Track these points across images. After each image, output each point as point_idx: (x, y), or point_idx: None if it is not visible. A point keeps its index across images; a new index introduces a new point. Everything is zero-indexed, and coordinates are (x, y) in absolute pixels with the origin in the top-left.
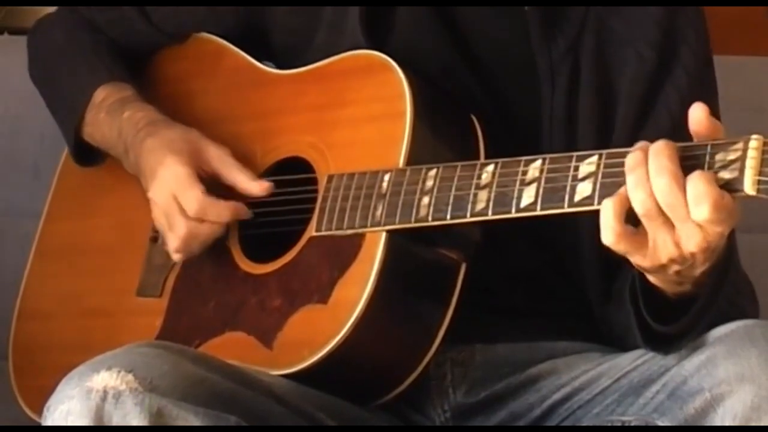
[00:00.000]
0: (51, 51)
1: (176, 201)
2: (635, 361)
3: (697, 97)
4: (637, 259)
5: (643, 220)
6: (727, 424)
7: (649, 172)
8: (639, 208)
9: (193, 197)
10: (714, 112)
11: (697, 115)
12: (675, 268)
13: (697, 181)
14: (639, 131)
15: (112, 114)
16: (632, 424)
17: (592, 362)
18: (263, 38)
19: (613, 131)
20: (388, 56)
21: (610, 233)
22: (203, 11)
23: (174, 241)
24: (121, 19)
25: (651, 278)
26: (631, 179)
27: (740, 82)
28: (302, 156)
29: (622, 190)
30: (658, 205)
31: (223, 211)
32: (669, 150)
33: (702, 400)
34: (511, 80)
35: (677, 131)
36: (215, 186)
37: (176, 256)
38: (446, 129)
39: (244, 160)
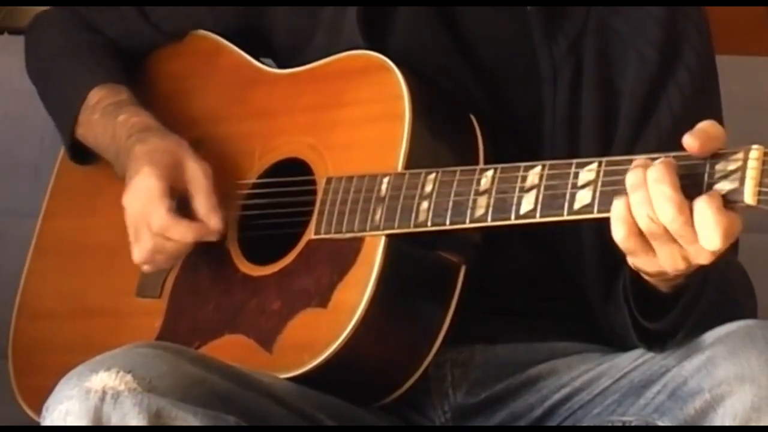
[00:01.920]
0: (48, 50)
1: (145, 214)
2: (635, 361)
3: (700, 96)
4: (640, 262)
5: (647, 236)
6: (727, 424)
7: (651, 196)
8: (643, 226)
9: (158, 214)
10: (716, 110)
11: (691, 146)
12: (679, 278)
13: (706, 210)
14: (642, 131)
15: (106, 116)
16: (633, 425)
17: (592, 362)
18: (263, 38)
19: (615, 131)
20: (386, 57)
21: (621, 227)
22: (202, 11)
23: (138, 253)
24: (120, 19)
25: (646, 276)
26: (634, 198)
27: (740, 82)
28: (301, 157)
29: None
30: (662, 227)
31: (185, 232)
32: (671, 176)
33: (702, 401)
34: (512, 80)
35: (679, 131)
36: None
37: (144, 268)
38: (445, 130)
39: (242, 160)
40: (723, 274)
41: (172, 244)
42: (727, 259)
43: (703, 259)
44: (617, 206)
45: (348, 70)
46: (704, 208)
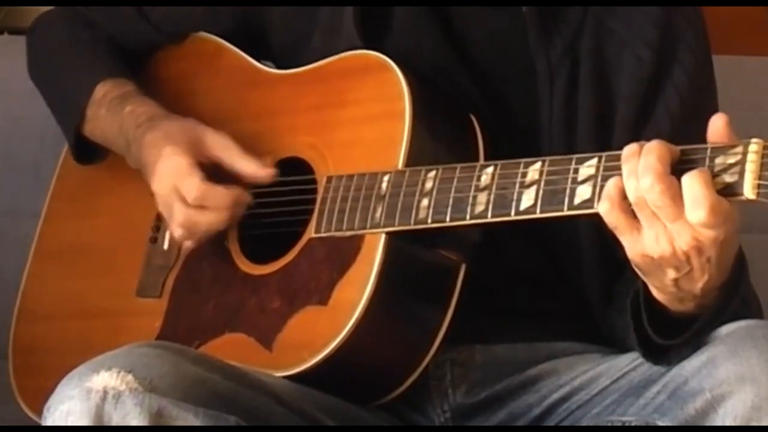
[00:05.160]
0: (51, 49)
1: (176, 191)
2: (635, 361)
3: (697, 98)
4: (628, 244)
5: (635, 209)
6: (727, 424)
7: (638, 166)
8: (631, 197)
9: (193, 184)
10: (713, 111)
11: (718, 125)
12: (672, 274)
13: (694, 183)
14: (639, 132)
15: (113, 110)
16: (632, 425)
17: (592, 363)
18: (261, 38)
19: (612, 132)
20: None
21: (605, 202)
22: (200, 11)
23: (176, 230)
24: (120, 19)
25: (653, 290)
26: (624, 168)
27: (740, 82)
28: (302, 157)
29: None
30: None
31: (223, 197)
32: (660, 150)
33: (703, 401)
34: (509, 81)
35: (677, 132)
36: (217, 174)
37: (186, 245)
38: (445, 129)
39: None
40: (744, 299)
41: (208, 215)
42: (745, 281)
43: (685, 242)
44: (608, 183)
45: (349, 69)
46: (692, 180)
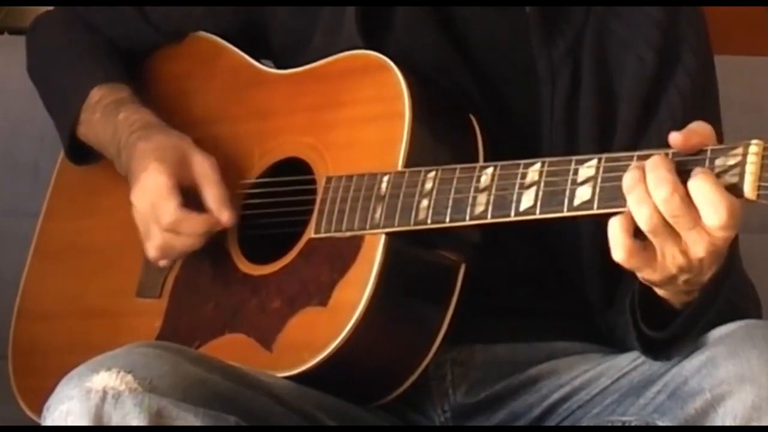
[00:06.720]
0: (49, 50)
1: (153, 210)
2: (635, 361)
3: (699, 99)
4: (646, 274)
5: (650, 236)
6: (727, 424)
7: (648, 186)
8: (644, 225)
9: (169, 209)
10: (715, 112)
11: (675, 139)
12: (684, 277)
13: (704, 187)
14: (641, 133)
15: (107, 115)
16: (632, 425)
17: (592, 362)
18: (262, 38)
19: (614, 133)
20: (386, 57)
21: (620, 249)
22: (201, 11)
23: (150, 250)
24: (120, 19)
25: (660, 291)
26: (632, 198)
27: (740, 82)
28: (301, 157)
29: (626, 209)
30: (662, 219)
31: (197, 225)
32: (666, 162)
33: (702, 401)
34: (510, 81)
35: None
36: (197, 196)
37: (161, 263)
38: (445, 130)
39: (242, 160)
40: (736, 286)
41: (183, 238)
42: (739, 269)
43: (701, 249)
44: (613, 227)
45: (348, 69)
46: (701, 183)
